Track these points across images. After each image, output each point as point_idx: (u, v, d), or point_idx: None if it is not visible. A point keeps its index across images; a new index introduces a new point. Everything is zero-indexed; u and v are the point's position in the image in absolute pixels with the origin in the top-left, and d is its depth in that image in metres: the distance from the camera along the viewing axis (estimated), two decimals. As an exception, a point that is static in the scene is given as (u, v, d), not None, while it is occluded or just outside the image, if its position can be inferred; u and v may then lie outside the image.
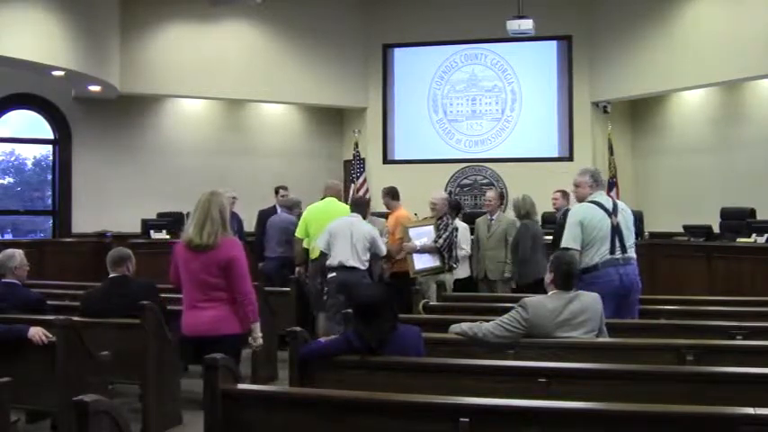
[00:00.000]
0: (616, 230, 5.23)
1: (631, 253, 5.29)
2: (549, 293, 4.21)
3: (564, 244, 5.23)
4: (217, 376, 3.13)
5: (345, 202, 8.02)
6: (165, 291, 5.51)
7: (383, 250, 6.94)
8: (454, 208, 8.30)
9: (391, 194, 8.10)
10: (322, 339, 3.82)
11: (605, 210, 5.29)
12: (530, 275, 7.26)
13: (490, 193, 8.21)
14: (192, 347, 4.38)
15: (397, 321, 3.73)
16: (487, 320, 4.19)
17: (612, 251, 5.19)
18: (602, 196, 5.43)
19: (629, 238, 5.31)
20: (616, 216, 5.29)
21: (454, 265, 7.43)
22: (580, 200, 5.54)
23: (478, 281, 7.85)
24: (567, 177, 11.20)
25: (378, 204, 9.31)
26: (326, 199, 7.62)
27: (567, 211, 7.96)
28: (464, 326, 4.20)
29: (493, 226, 7.84)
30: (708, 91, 10.71)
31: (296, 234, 7.58)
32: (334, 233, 6.70)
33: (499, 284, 7.66)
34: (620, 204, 5.47)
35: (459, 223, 7.97)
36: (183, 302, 4.43)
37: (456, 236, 7.41)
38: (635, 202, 10.26)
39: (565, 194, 8.02)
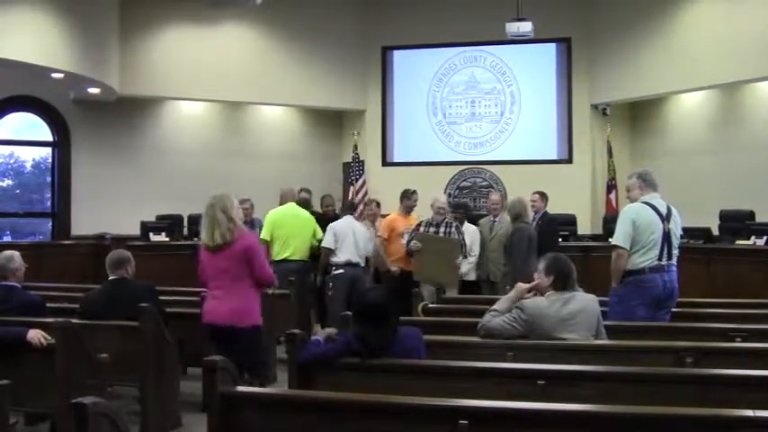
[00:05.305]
0: (667, 237, 5.06)
1: (674, 260, 5.16)
2: (546, 295, 4.20)
3: (615, 242, 5.08)
4: (215, 378, 3.12)
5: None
6: (165, 293, 5.51)
7: (371, 250, 7.48)
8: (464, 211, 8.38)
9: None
10: (320, 338, 3.78)
11: (659, 214, 5.08)
12: (526, 278, 7.28)
13: (494, 196, 8.20)
14: (210, 334, 4.76)
15: (399, 324, 3.72)
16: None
17: (660, 257, 5.04)
18: (656, 198, 5.16)
19: (677, 246, 5.18)
20: (669, 222, 5.10)
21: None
22: (633, 202, 5.31)
23: (481, 282, 7.86)
24: (566, 179, 11.38)
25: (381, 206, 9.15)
26: (288, 204, 7.69)
27: (546, 214, 7.99)
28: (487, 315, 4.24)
29: (495, 228, 7.85)
30: (706, 93, 10.72)
31: (261, 236, 7.50)
32: (339, 233, 6.98)
33: (500, 286, 7.67)
34: (674, 210, 5.22)
35: (468, 226, 7.99)
36: (207, 293, 4.87)
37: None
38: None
39: (543, 196, 7.98)
